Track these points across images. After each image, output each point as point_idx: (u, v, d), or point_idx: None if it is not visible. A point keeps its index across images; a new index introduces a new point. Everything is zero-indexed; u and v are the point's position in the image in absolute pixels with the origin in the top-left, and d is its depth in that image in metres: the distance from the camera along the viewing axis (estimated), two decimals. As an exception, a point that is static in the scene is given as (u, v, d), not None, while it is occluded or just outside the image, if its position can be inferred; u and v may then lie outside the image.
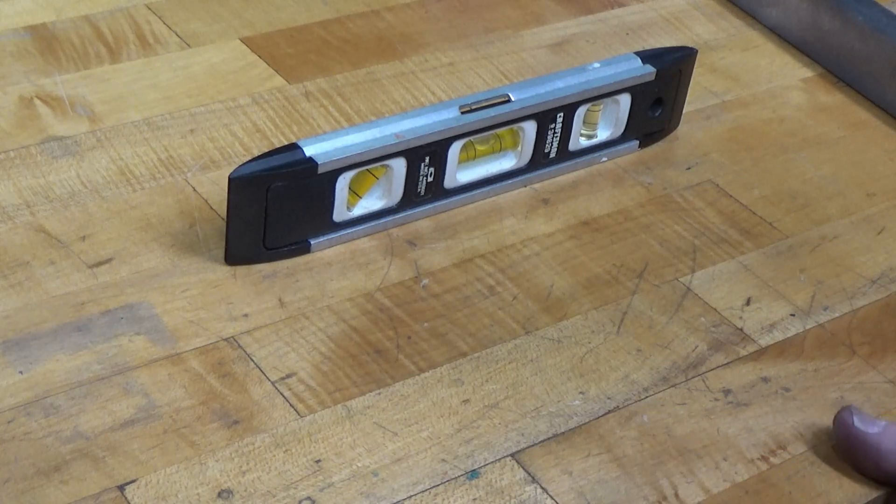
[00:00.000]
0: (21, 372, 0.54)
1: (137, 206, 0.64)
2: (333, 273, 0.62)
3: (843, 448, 0.56)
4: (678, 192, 0.70)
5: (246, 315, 0.59)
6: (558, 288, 0.62)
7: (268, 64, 0.75)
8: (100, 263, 0.60)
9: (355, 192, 0.63)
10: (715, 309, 0.62)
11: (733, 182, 0.71)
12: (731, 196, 0.70)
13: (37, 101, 0.69)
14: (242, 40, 0.77)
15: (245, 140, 0.69)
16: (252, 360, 0.56)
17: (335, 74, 0.75)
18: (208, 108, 0.71)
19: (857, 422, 0.55)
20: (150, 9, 0.78)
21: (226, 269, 0.61)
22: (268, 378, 0.56)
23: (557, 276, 0.63)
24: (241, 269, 0.61)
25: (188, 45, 0.76)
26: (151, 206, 0.64)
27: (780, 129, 0.76)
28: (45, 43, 0.74)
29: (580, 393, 0.57)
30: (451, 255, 0.64)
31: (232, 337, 0.57)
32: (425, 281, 0.62)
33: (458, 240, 0.65)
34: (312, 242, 0.62)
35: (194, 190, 0.65)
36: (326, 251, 0.63)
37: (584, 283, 0.63)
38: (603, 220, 0.67)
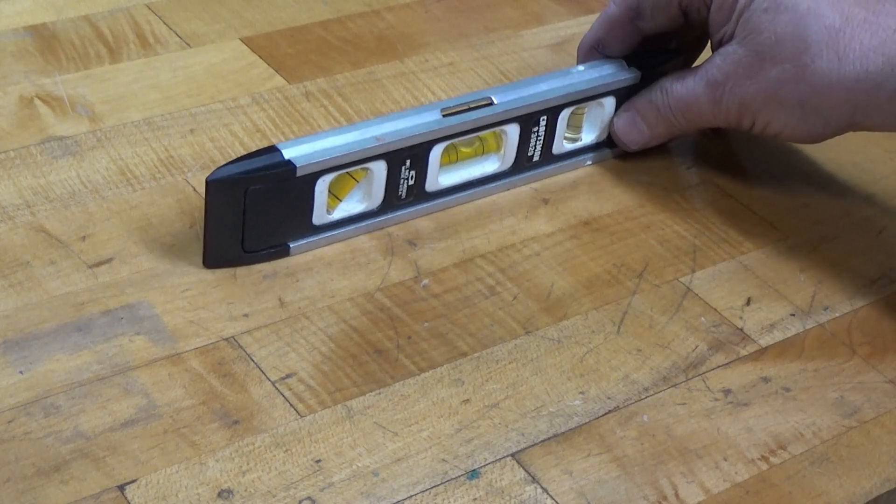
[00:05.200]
0: (21, 372, 0.54)
1: (137, 206, 0.64)
2: (333, 273, 0.62)
3: None
4: (678, 192, 0.70)
5: (246, 315, 0.59)
6: (558, 288, 0.62)
7: (268, 64, 0.75)
8: (100, 263, 0.60)
9: (335, 196, 0.63)
10: (715, 309, 0.62)
11: (733, 182, 0.71)
12: (731, 196, 0.70)
13: (37, 101, 0.69)
14: (242, 40, 0.77)
15: (245, 140, 0.69)
16: (252, 360, 0.56)
17: (335, 74, 0.75)
18: (208, 108, 0.71)
19: None
20: (150, 9, 0.78)
21: (226, 269, 0.61)
22: (268, 378, 0.56)
23: (558, 276, 0.63)
24: (242, 269, 0.61)
25: (188, 45, 0.76)
26: (152, 206, 0.64)
27: (780, 129, 0.76)
28: (46, 43, 0.74)
29: (580, 393, 0.57)
30: (452, 255, 0.64)
31: (232, 337, 0.57)
32: (425, 281, 0.62)
33: (459, 240, 0.65)
34: (292, 246, 0.62)
35: (194, 190, 0.65)
36: (327, 251, 0.63)
37: (585, 283, 0.63)
38: (603, 220, 0.67)
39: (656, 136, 0.69)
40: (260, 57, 0.75)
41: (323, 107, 0.72)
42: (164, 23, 0.77)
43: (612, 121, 0.70)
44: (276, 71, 0.74)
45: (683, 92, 0.67)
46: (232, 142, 0.68)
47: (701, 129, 0.73)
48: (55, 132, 0.67)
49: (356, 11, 0.81)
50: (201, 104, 0.71)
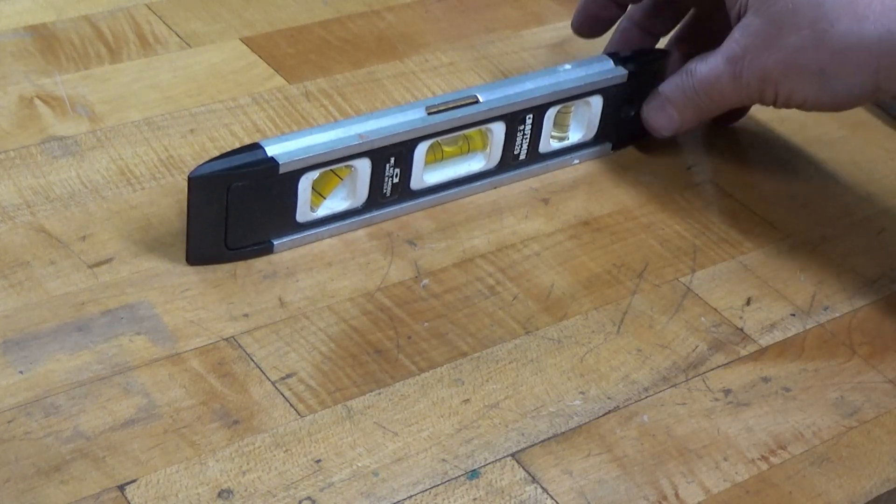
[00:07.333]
0: (21, 372, 0.54)
1: (137, 206, 0.64)
2: (334, 273, 0.62)
3: None
4: (678, 192, 0.70)
5: (246, 315, 0.59)
6: (558, 288, 0.62)
7: (268, 64, 0.75)
8: (100, 263, 0.60)
9: (319, 193, 0.62)
10: (715, 309, 0.62)
11: (733, 182, 0.71)
12: (731, 196, 0.70)
13: (37, 101, 0.69)
14: (242, 40, 0.77)
15: (245, 140, 0.69)
16: (252, 360, 0.56)
17: (335, 74, 0.75)
18: (208, 108, 0.71)
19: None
20: (150, 9, 0.78)
21: (226, 269, 0.61)
22: (268, 378, 0.56)
23: (558, 275, 0.63)
24: (242, 269, 0.61)
25: (188, 45, 0.76)
26: (152, 206, 0.64)
27: (780, 129, 0.76)
28: (46, 43, 0.74)
29: (580, 393, 0.57)
30: (452, 255, 0.64)
31: (232, 337, 0.57)
32: (425, 281, 0.62)
33: (458, 240, 0.65)
34: (275, 243, 0.62)
35: (194, 190, 0.65)
36: (327, 251, 0.63)
37: (585, 283, 0.63)
38: (603, 220, 0.67)
39: (686, 120, 0.69)
40: (260, 57, 0.75)
41: (323, 107, 0.72)
42: (164, 23, 0.77)
43: (641, 108, 0.69)
44: (276, 71, 0.74)
45: (706, 71, 0.66)
46: (232, 142, 0.68)
47: (726, 111, 0.70)
48: (55, 132, 0.68)
49: (356, 11, 0.81)
50: (201, 104, 0.71)
